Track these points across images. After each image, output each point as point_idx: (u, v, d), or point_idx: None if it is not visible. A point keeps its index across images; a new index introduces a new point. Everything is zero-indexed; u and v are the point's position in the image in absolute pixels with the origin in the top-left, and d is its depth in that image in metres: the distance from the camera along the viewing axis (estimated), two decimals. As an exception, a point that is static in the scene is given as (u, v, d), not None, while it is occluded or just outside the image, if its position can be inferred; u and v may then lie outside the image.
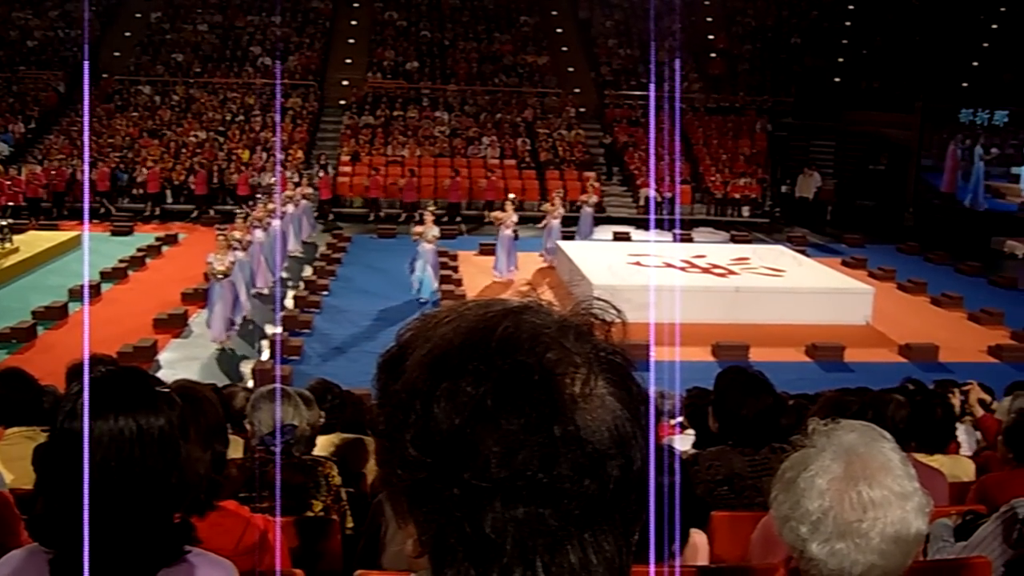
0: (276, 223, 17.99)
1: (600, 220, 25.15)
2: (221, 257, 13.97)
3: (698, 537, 3.32)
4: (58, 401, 1.83)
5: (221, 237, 14.38)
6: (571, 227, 21.81)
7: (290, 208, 20.16)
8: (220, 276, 13.82)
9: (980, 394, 6.93)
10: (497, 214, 19.17)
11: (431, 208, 17.89)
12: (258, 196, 21.34)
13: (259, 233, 16.98)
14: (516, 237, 18.95)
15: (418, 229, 16.92)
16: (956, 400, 6.54)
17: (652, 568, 1.07)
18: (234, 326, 14.49)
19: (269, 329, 15.25)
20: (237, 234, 15.68)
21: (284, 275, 18.08)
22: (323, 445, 5.06)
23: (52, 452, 1.86)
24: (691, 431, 6.35)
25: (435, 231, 16.80)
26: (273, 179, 23.13)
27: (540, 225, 20.73)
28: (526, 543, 0.87)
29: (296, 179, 23.55)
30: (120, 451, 1.79)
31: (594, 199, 22.74)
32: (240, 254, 15.07)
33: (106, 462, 1.78)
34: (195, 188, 25.64)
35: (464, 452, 0.87)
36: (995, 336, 15.58)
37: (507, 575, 0.87)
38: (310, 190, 23.12)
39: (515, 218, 18.69)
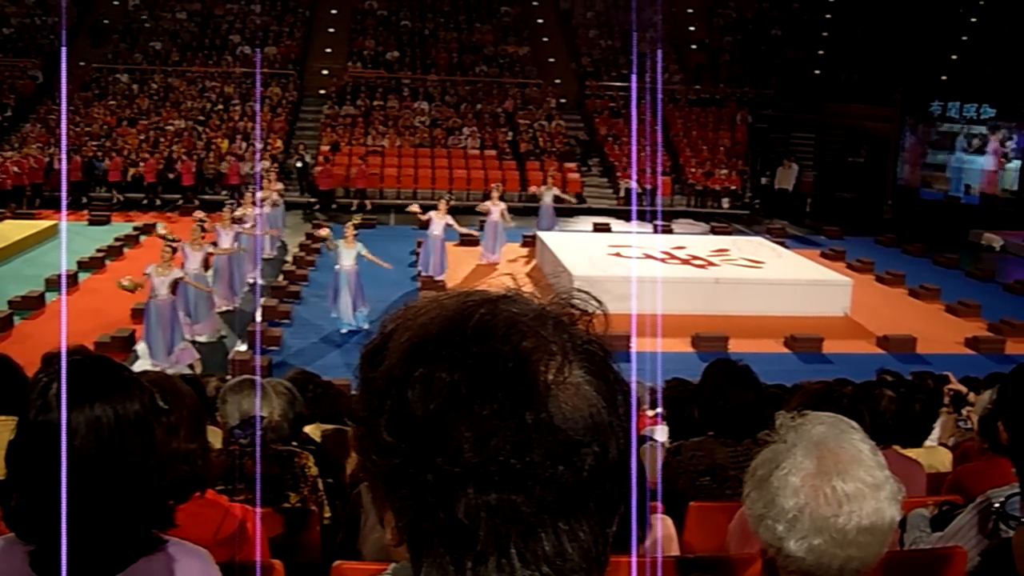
0: (251, 225, 16.90)
1: (580, 211, 25.17)
2: (164, 271, 12.48)
3: (667, 528, 3.32)
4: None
5: (167, 250, 12.76)
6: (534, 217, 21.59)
7: (267, 209, 18.97)
8: (159, 294, 12.38)
9: (958, 385, 6.98)
10: (429, 214, 17.43)
11: (353, 221, 15.40)
12: (248, 185, 20.84)
13: (225, 243, 15.44)
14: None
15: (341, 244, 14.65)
16: (947, 398, 6.54)
17: (635, 559, 1.07)
18: (175, 349, 12.59)
19: (239, 346, 13.75)
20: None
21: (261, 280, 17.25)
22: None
23: (26, 445, 1.82)
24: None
25: (361, 247, 14.60)
26: (252, 169, 22.78)
27: (479, 222, 19.62)
28: (499, 530, 0.87)
29: (271, 174, 22.91)
30: (100, 438, 1.78)
31: (553, 191, 21.56)
32: (192, 267, 13.57)
33: (85, 450, 1.77)
34: (183, 178, 25.48)
35: (437, 437, 0.87)
36: (972, 328, 15.68)
37: (481, 562, 0.87)
38: (280, 186, 22.55)
39: (449, 219, 17.33)
